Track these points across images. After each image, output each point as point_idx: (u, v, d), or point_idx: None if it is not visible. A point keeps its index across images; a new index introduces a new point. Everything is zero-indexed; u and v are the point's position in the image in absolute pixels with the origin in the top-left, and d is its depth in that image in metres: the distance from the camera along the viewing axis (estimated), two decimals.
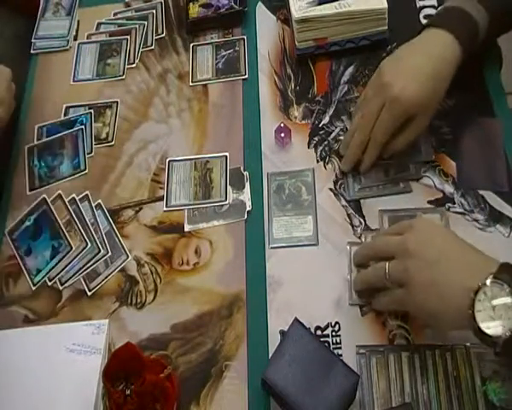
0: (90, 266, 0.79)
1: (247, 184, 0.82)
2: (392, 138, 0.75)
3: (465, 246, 0.62)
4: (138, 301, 0.76)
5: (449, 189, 0.77)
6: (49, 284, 0.79)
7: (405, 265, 0.61)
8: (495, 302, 0.54)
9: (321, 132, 0.84)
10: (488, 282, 0.55)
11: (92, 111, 0.92)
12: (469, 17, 0.73)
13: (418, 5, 0.92)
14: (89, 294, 0.77)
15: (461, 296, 0.56)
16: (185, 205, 0.81)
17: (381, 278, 0.64)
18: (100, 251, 0.80)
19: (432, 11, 0.91)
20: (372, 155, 0.77)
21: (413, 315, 0.66)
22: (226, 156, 0.84)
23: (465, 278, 0.57)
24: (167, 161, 0.86)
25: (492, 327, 0.54)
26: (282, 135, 0.82)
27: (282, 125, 0.82)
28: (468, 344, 0.65)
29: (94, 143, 0.90)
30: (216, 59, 0.95)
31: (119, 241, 0.80)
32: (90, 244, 0.80)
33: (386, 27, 0.87)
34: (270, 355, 0.67)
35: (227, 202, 0.81)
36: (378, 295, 0.67)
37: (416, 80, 0.71)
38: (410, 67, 0.73)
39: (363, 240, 0.74)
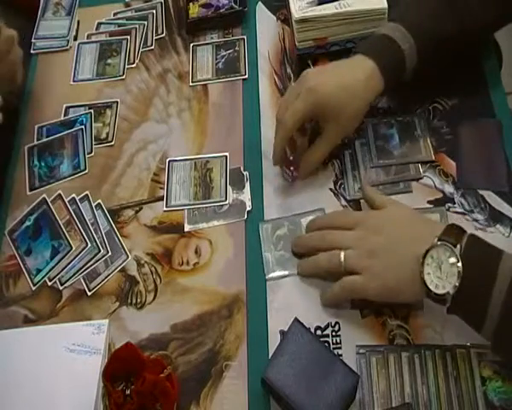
0: (90, 266, 0.79)
1: (247, 184, 0.82)
2: (307, 150, 0.77)
3: (413, 215, 0.68)
4: (138, 301, 0.76)
5: (449, 189, 0.77)
6: (49, 284, 0.79)
7: (359, 255, 0.66)
8: (441, 264, 0.59)
9: None
10: (434, 245, 0.60)
11: (92, 111, 0.92)
12: (396, 46, 0.74)
13: None
14: (89, 294, 0.77)
15: (413, 264, 0.61)
16: (185, 205, 0.81)
17: (336, 265, 0.67)
18: (100, 251, 0.80)
19: None
20: (279, 142, 0.76)
21: (372, 298, 0.66)
22: (226, 156, 0.84)
23: (416, 247, 0.61)
24: (167, 161, 0.86)
25: (441, 287, 0.59)
26: (291, 168, 0.78)
27: (291, 157, 0.79)
28: (468, 344, 0.65)
29: (94, 143, 0.90)
30: (216, 59, 0.95)
31: (119, 241, 0.80)
32: (90, 244, 0.80)
33: None
34: (270, 355, 0.67)
35: (227, 202, 0.81)
36: (332, 285, 0.69)
37: (333, 81, 0.74)
38: (332, 73, 0.76)
39: None
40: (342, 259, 0.67)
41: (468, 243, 0.60)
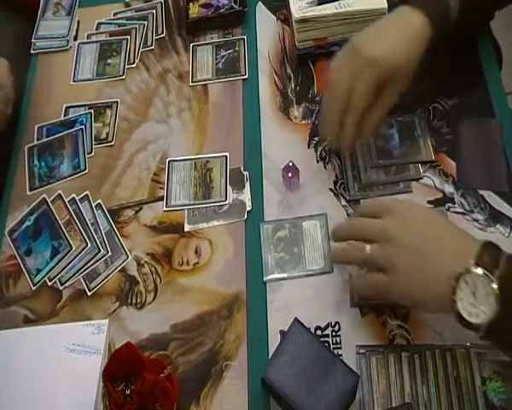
0: (90, 266, 0.79)
1: (247, 184, 0.82)
2: (366, 116, 0.72)
3: (447, 228, 0.62)
4: (138, 301, 0.76)
5: (449, 189, 0.77)
6: (49, 284, 0.79)
7: (387, 251, 0.61)
8: (476, 290, 0.55)
9: None
10: (469, 268, 0.55)
11: (92, 111, 0.92)
12: None
13: None
14: (89, 294, 0.77)
15: (443, 284, 0.57)
16: (185, 205, 0.81)
17: (362, 258, 0.64)
18: (100, 251, 0.80)
19: None
20: (351, 125, 0.71)
21: (394, 301, 0.64)
22: (226, 156, 0.84)
23: (447, 265, 0.57)
24: (167, 161, 0.86)
25: (474, 314, 0.55)
26: (290, 175, 0.78)
27: (290, 164, 0.78)
28: (468, 344, 0.65)
29: (94, 143, 0.90)
30: (216, 59, 0.95)
31: (119, 241, 0.80)
32: (90, 244, 0.80)
33: None
34: (270, 355, 0.67)
35: (227, 202, 0.81)
36: (357, 277, 0.67)
37: (389, 44, 0.70)
38: (382, 33, 0.72)
39: None
40: (368, 252, 0.63)
41: (505, 270, 0.55)
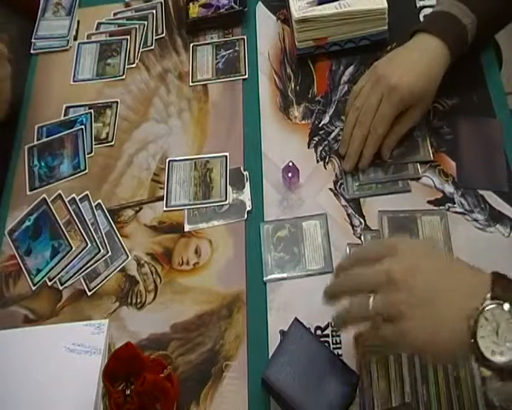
0: (90, 266, 0.79)
1: (247, 184, 0.82)
2: (388, 133, 0.77)
3: (453, 264, 0.58)
4: (138, 301, 0.76)
5: (449, 189, 0.77)
6: (49, 284, 0.79)
7: (394, 298, 0.54)
8: (498, 327, 0.50)
9: (321, 132, 0.84)
10: (486, 305, 0.51)
11: (92, 111, 0.92)
12: (458, 21, 0.75)
13: (418, 5, 0.93)
14: (89, 294, 0.77)
15: (460, 327, 0.51)
16: (185, 205, 0.81)
17: (367, 314, 0.56)
18: (100, 251, 0.80)
19: None
20: (372, 148, 0.77)
21: (406, 351, 0.60)
22: (226, 156, 0.84)
23: (461, 304, 0.52)
24: (167, 161, 0.86)
25: (498, 353, 0.50)
26: (290, 175, 0.78)
27: (290, 164, 0.79)
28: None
29: (94, 143, 0.90)
30: (216, 59, 0.95)
31: (119, 241, 0.80)
32: (90, 244, 0.80)
33: (386, 27, 0.87)
34: (270, 355, 0.67)
35: (227, 202, 0.81)
36: (364, 332, 0.60)
37: (411, 72, 0.74)
38: (404, 61, 0.76)
39: (362, 240, 0.74)
40: (371, 306, 0.56)
41: None
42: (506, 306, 0.50)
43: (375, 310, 0.55)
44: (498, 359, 0.50)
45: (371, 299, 0.55)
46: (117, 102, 0.93)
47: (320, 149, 0.83)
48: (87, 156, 0.88)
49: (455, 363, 0.61)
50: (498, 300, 0.51)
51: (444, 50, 0.74)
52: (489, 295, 0.51)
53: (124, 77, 0.96)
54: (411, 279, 0.54)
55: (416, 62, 0.75)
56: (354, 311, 0.58)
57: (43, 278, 0.79)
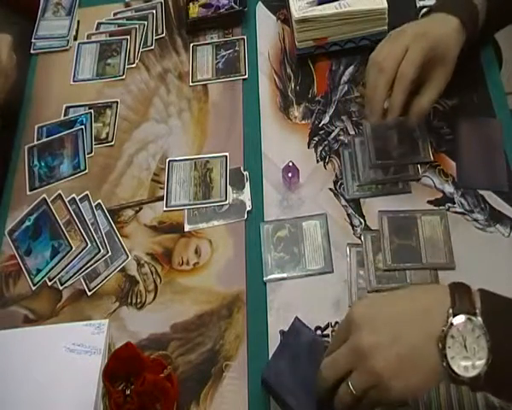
0: (90, 266, 0.79)
1: (247, 184, 0.82)
2: (416, 97, 0.72)
3: (408, 296, 0.56)
4: (138, 301, 0.76)
5: (449, 189, 0.77)
6: (49, 284, 0.79)
7: (366, 368, 0.53)
8: (465, 341, 0.50)
9: (321, 132, 0.84)
10: (450, 321, 0.51)
11: (92, 111, 0.92)
12: (469, 1, 0.74)
13: (418, 5, 0.92)
14: (89, 294, 0.77)
15: (431, 352, 0.51)
16: (185, 205, 0.82)
17: (352, 398, 0.54)
18: (100, 251, 0.80)
19: None
20: (400, 96, 0.70)
21: (397, 403, 0.56)
22: (226, 156, 0.84)
23: (427, 332, 0.52)
24: (167, 161, 0.86)
25: (470, 367, 0.50)
26: (290, 175, 0.78)
27: (290, 164, 0.79)
28: None
29: (94, 143, 0.90)
30: (216, 59, 0.95)
31: (119, 241, 0.80)
32: (90, 244, 0.80)
33: (386, 27, 0.86)
34: (270, 355, 0.67)
35: (227, 202, 0.81)
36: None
37: (435, 31, 0.71)
38: (427, 25, 0.73)
39: (362, 240, 0.74)
40: (351, 388, 0.54)
41: (485, 306, 0.51)
42: (461, 318, 0.50)
43: (356, 389, 0.53)
44: (472, 373, 0.50)
45: (349, 383, 0.54)
46: (117, 102, 0.93)
47: (320, 149, 0.83)
48: (87, 156, 0.88)
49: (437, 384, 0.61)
50: (460, 313, 0.51)
51: (458, 26, 0.72)
52: (451, 311, 0.51)
53: (124, 77, 0.96)
54: (376, 338, 0.53)
55: (437, 27, 0.72)
56: (342, 403, 0.55)
57: (43, 278, 0.79)
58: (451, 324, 0.50)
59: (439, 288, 0.54)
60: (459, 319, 0.50)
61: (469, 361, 0.50)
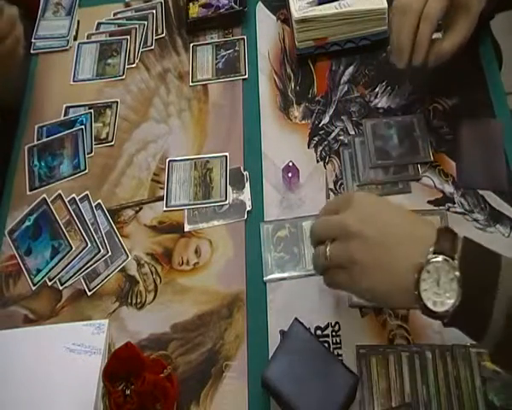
0: (90, 266, 0.79)
1: (247, 184, 0.82)
2: (438, 40, 0.71)
3: (403, 215, 0.60)
4: (138, 301, 0.76)
5: (449, 189, 0.77)
6: (49, 284, 0.79)
7: (347, 246, 0.58)
8: (439, 278, 0.54)
9: (321, 132, 0.84)
10: (429, 258, 0.54)
11: (92, 111, 0.92)
12: None
13: None
14: (89, 294, 0.77)
15: (405, 277, 0.55)
16: (185, 205, 0.82)
17: (323, 261, 0.60)
18: (100, 251, 0.80)
19: None
20: (427, 35, 0.68)
21: (359, 296, 0.63)
22: (226, 156, 0.84)
23: (408, 256, 0.56)
24: (167, 161, 0.86)
25: (439, 303, 0.54)
26: (290, 175, 0.78)
27: (290, 164, 0.79)
28: (468, 344, 0.65)
29: (94, 143, 0.90)
30: (216, 59, 0.95)
31: (119, 241, 0.80)
32: (90, 244, 0.80)
33: (386, 27, 0.86)
34: (270, 355, 0.67)
35: (227, 202, 0.81)
36: (324, 278, 0.63)
37: None
38: None
39: None
40: (328, 253, 0.60)
41: (464, 253, 0.54)
42: (440, 257, 0.53)
43: (331, 255, 0.59)
44: (440, 309, 0.53)
45: (328, 248, 0.60)
46: (117, 102, 0.93)
47: (320, 149, 0.83)
48: (87, 156, 0.88)
49: (405, 308, 0.65)
50: (441, 253, 0.54)
51: None
52: (432, 249, 0.54)
53: (124, 77, 0.96)
54: (364, 229, 0.57)
55: None
56: (315, 261, 0.63)
57: (43, 278, 0.79)
58: (430, 260, 0.54)
59: (431, 225, 0.58)
60: (437, 258, 0.54)
61: (439, 298, 0.53)
